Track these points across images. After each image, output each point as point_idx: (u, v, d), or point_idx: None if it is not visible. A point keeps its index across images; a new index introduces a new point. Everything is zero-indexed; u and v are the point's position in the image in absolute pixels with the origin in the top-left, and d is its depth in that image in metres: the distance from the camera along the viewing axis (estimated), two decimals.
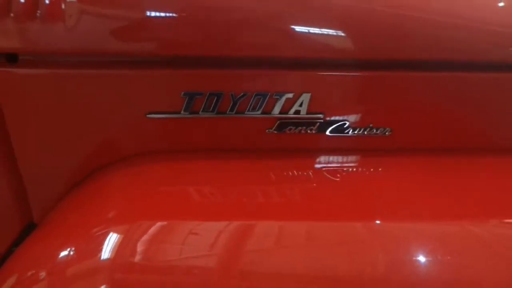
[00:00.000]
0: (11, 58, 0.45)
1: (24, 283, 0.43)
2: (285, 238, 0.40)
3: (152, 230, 0.41)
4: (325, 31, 0.45)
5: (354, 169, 0.50)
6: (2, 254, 0.57)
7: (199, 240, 0.39)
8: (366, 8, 0.45)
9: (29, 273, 0.43)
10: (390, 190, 0.48)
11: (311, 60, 0.47)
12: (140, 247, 0.40)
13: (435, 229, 0.42)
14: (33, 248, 0.47)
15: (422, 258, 0.39)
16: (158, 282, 0.38)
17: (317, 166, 0.50)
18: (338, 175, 0.49)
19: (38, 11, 0.41)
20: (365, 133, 0.50)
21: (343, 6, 0.45)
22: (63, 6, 0.41)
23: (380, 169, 0.50)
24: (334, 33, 0.45)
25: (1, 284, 0.45)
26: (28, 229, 0.55)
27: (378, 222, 0.42)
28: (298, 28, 0.44)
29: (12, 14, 0.41)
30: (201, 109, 0.46)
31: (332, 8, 0.45)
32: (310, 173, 0.49)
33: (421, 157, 0.51)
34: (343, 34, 0.45)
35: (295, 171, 0.49)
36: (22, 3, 0.41)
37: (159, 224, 0.42)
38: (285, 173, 0.49)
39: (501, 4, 0.48)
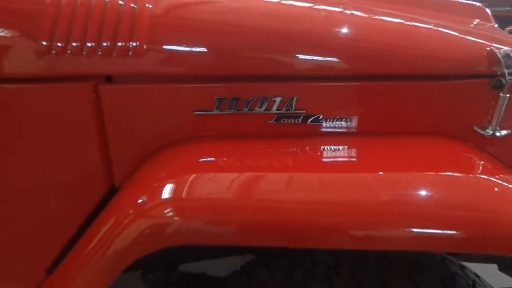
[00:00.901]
0: (108, 79, 0.73)
1: (119, 219, 0.69)
2: (289, 181, 0.65)
3: (191, 179, 0.66)
4: (303, 57, 0.72)
5: (329, 145, 0.75)
6: (92, 211, 0.83)
7: (223, 183, 0.65)
8: (329, 43, 0.72)
9: (122, 214, 0.69)
10: (356, 155, 0.73)
11: (296, 76, 0.73)
12: (185, 189, 0.65)
13: (391, 174, 0.66)
14: (121, 200, 0.73)
15: (390, 191, 0.62)
16: (197, 207, 0.63)
17: (303, 144, 0.75)
18: (318, 149, 0.74)
19: (130, 52, 0.69)
20: (333, 122, 0.76)
21: (314, 45, 0.72)
22: (144, 47, 0.69)
23: (346, 145, 0.75)
24: (309, 58, 0.72)
25: (104, 224, 0.71)
26: (111, 192, 0.81)
27: (353, 173, 0.67)
28: (285, 57, 0.71)
29: (114, 54, 0.69)
30: (226, 108, 0.73)
31: (307, 43, 0.72)
32: (298, 149, 0.74)
33: (370, 137, 0.76)
34: (315, 59, 0.72)
35: (289, 148, 0.75)
36: (121, 47, 0.68)
37: (195, 175, 0.67)
38: (281, 150, 0.74)
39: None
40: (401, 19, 0.79)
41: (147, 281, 1.23)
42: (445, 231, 0.58)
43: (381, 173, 0.65)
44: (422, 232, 0.59)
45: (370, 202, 0.60)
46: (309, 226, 0.59)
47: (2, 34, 0.67)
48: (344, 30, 0.75)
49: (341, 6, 0.81)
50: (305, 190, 0.63)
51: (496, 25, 0.92)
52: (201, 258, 1.25)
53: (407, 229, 0.58)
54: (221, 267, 1.28)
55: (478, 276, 0.77)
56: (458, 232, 0.58)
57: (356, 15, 0.80)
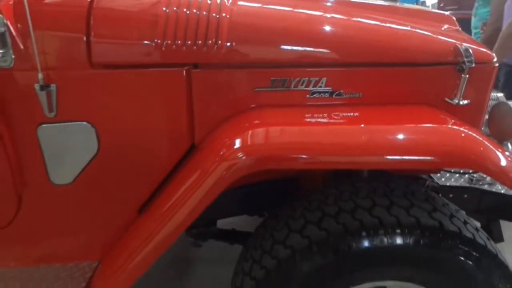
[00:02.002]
0: (195, 66, 1.04)
1: (207, 166, 0.98)
2: (315, 130, 0.98)
3: (250, 133, 0.97)
4: (330, 52, 1.05)
5: (346, 112, 1.07)
6: (173, 166, 1.13)
7: (269, 134, 0.97)
8: (347, 42, 1.06)
9: (209, 162, 0.99)
10: (362, 116, 1.06)
11: (325, 64, 1.06)
12: (248, 140, 0.96)
13: (386, 126, 1.00)
14: (206, 153, 1.03)
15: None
16: (254, 150, 0.94)
17: (331, 110, 1.07)
18: (338, 113, 1.06)
19: (215, 47, 1.00)
20: (351, 95, 1.09)
21: (337, 44, 1.05)
22: (227, 44, 1.00)
23: (358, 111, 1.07)
24: (334, 53, 1.05)
25: (194, 172, 1.01)
26: (190, 149, 1.11)
27: (359, 125, 1.00)
28: (318, 52, 1.04)
29: (204, 49, 1.00)
30: (279, 86, 1.05)
31: (333, 42, 1.05)
32: (326, 114, 1.06)
33: (372, 106, 1.09)
34: (338, 53, 1.05)
35: (319, 113, 1.06)
36: (209, 44, 1.00)
37: (253, 131, 0.98)
38: (315, 114, 1.06)
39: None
40: (393, 24, 1.14)
41: (191, 234, 1.54)
42: (422, 157, 0.93)
43: (378, 126, 1.00)
44: (402, 159, 0.94)
45: (364, 140, 0.94)
46: (320, 153, 0.94)
47: (132, 35, 0.97)
48: (348, 33, 1.10)
49: (333, 12, 1.15)
50: (324, 135, 0.98)
51: (459, 29, 1.28)
52: (232, 215, 1.56)
53: (393, 156, 0.93)
54: (245, 225, 1.61)
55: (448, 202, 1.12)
56: (433, 158, 0.93)
57: (359, 23, 1.13)
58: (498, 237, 1.53)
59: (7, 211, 1.11)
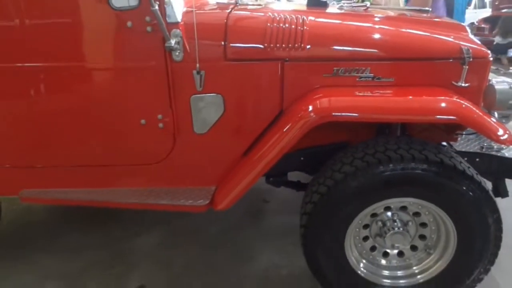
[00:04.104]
0: (286, 60, 1.67)
1: (290, 123, 1.62)
2: (361, 98, 1.59)
3: (319, 101, 1.60)
4: (372, 51, 1.65)
5: (383, 90, 1.66)
6: (268, 124, 1.77)
7: (330, 102, 1.59)
8: (383, 44, 1.65)
9: (291, 121, 1.62)
10: (394, 91, 1.64)
11: (369, 58, 1.65)
12: (317, 104, 1.59)
13: (412, 97, 1.60)
14: (289, 117, 1.67)
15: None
16: (320, 111, 1.57)
17: (372, 89, 1.64)
18: (378, 91, 1.65)
19: (300, 48, 1.63)
20: (386, 80, 1.67)
21: (377, 45, 1.65)
22: (307, 47, 1.63)
23: (391, 90, 1.65)
24: (375, 51, 1.64)
25: (283, 127, 1.65)
26: (280, 113, 1.75)
27: (393, 97, 1.60)
28: (365, 51, 1.64)
29: (293, 50, 1.63)
30: (339, 73, 1.65)
31: (375, 44, 1.64)
32: (369, 92, 1.64)
33: (401, 86, 1.67)
34: (377, 52, 1.64)
35: (366, 91, 1.65)
36: (296, 46, 1.63)
37: (320, 100, 1.60)
38: (362, 91, 1.64)
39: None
40: (417, 31, 1.70)
41: (269, 181, 2.16)
42: (434, 116, 1.50)
43: (409, 97, 1.57)
44: (419, 117, 1.52)
45: (393, 105, 1.53)
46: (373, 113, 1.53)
47: (250, 41, 1.62)
48: (386, 38, 1.68)
49: (376, 23, 1.73)
50: (366, 102, 1.57)
51: (469, 34, 1.80)
52: (297, 170, 2.15)
53: (412, 115, 1.51)
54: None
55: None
56: (441, 117, 1.49)
57: (394, 31, 1.71)
58: (503, 193, 1.99)
59: (165, 150, 1.81)
